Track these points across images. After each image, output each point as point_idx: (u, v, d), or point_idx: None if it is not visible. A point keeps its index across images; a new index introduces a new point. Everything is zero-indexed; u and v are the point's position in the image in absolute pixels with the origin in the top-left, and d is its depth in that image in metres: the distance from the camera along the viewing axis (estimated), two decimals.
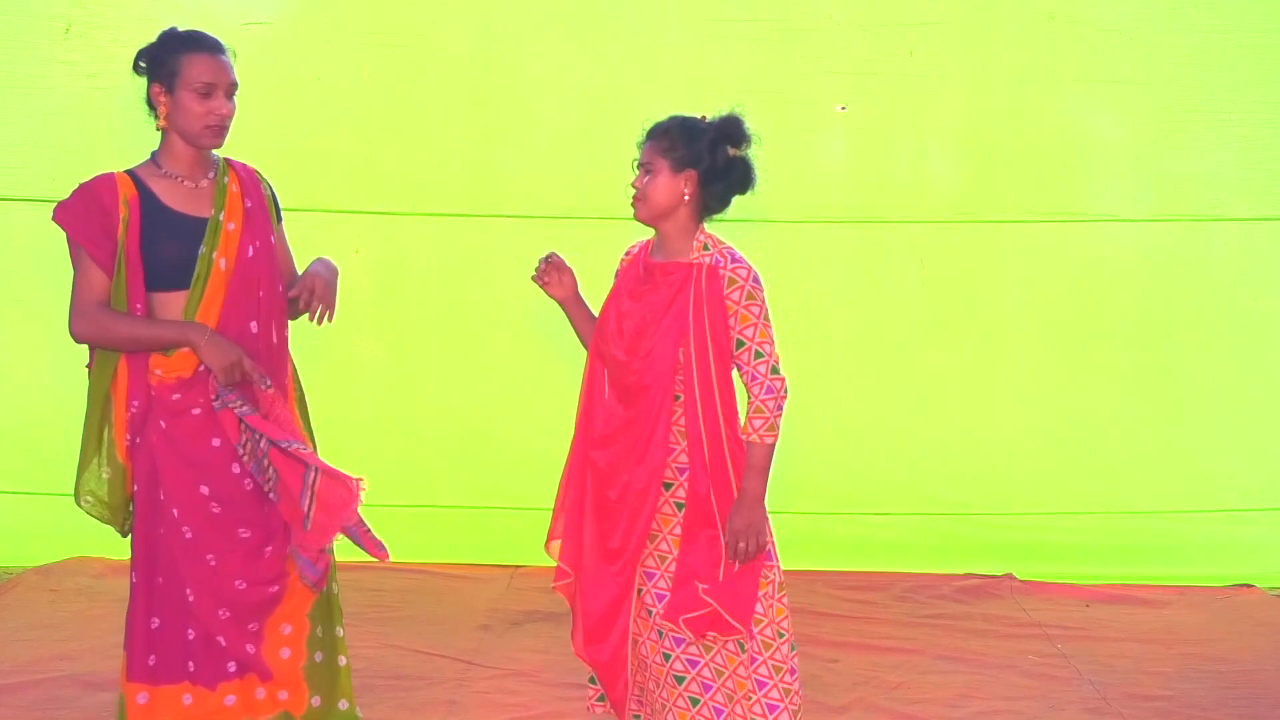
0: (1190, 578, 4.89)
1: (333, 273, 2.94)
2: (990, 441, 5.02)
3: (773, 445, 2.76)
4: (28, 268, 4.77)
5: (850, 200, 4.96)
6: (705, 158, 2.74)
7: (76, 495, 2.83)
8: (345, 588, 3.06)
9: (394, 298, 4.96)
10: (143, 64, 2.78)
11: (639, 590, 2.82)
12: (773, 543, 2.85)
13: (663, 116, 2.80)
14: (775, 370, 2.74)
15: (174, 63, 2.74)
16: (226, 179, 2.85)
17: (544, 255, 2.94)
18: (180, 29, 2.81)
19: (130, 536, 2.86)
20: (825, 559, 4.88)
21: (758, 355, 2.74)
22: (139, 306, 2.75)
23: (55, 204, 2.75)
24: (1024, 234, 4.94)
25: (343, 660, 3.00)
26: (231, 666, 2.83)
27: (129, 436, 2.79)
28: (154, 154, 2.83)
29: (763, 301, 2.75)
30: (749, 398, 2.75)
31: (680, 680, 2.79)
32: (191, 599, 2.79)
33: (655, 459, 2.77)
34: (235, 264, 2.80)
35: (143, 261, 2.74)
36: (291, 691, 2.89)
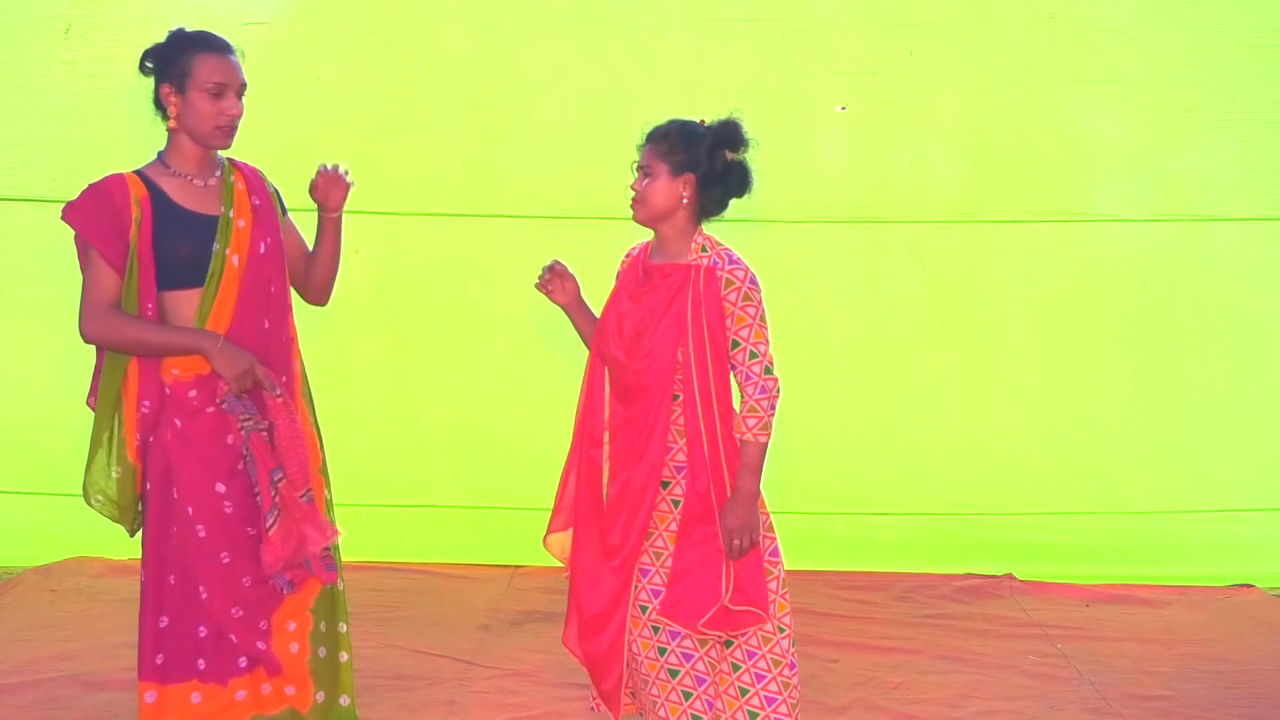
0: (1190, 578, 4.88)
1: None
2: (990, 441, 5.02)
3: (766, 444, 2.79)
4: (28, 268, 4.78)
5: (850, 200, 4.96)
6: (704, 162, 2.77)
7: (86, 494, 2.84)
8: (345, 587, 3.06)
9: (394, 298, 4.96)
10: (151, 64, 2.79)
11: (634, 586, 2.85)
12: (777, 539, 2.89)
13: (662, 119, 2.83)
14: (769, 370, 2.77)
15: (185, 63, 2.75)
16: (232, 178, 2.87)
17: (547, 264, 2.98)
18: (189, 29, 2.81)
19: (139, 535, 2.87)
20: (825, 559, 4.88)
21: (752, 355, 2.76)
22: (150, 306, 2.76)
23: (59, 204, 2.75)
24: (1024, 234, 4.93)
25: (345, 656, 3.01)
26: (243, 662, 2.85)
27: (140, 436, 2.80)
28: (160, 154, 2.84)
29: (759, 303, 2.78)
30: (743, 397, 2.79)
31: (674, 674, 2.82)
32: (205, 597, 2.80)
33: (654, 457, 2.80)
34: (248, 261, 2.83)
35: (155, 260, 2.74)
36: (298, 687, 2.91)
